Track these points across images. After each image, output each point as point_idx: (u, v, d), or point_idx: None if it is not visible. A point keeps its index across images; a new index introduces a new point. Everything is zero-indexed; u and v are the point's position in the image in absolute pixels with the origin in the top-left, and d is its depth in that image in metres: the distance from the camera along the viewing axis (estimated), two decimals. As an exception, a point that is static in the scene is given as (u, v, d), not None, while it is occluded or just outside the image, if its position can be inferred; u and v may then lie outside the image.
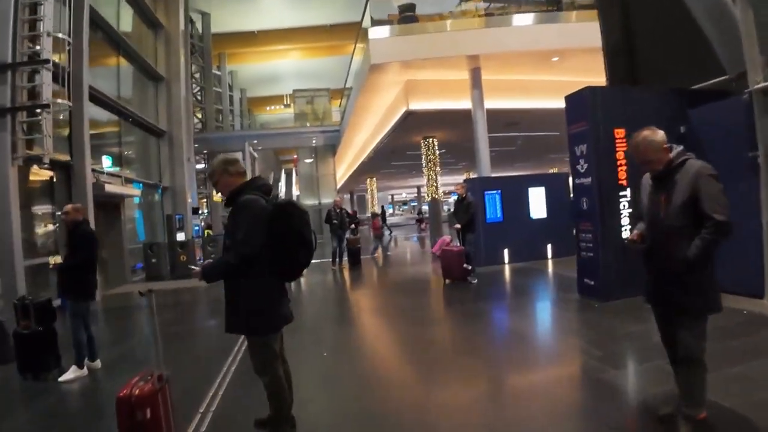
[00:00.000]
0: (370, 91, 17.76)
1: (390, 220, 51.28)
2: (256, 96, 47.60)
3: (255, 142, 29.26)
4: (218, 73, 36.78)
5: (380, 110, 20.66)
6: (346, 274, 13.29)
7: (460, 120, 18.13)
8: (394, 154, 26.65)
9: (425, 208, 39.11)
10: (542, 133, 23.22)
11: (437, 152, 21.99)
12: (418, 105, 16.92)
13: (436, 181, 22.00)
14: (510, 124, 20.01)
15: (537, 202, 12.65)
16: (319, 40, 35.92)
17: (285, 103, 38.46)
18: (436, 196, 22.15)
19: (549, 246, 12.58)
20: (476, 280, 9.85)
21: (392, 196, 67.71)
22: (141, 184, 16.80)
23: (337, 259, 13.98)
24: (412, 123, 18.46)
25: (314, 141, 30.26)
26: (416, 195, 57.49)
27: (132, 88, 17.53)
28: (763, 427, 3.29)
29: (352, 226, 14.01)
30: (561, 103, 8.59)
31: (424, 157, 22.01)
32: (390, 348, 6.61)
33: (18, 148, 9.14)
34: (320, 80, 36.53)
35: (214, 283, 3.45)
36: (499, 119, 16.39)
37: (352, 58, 21.93)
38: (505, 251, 12.35)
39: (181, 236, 16.40)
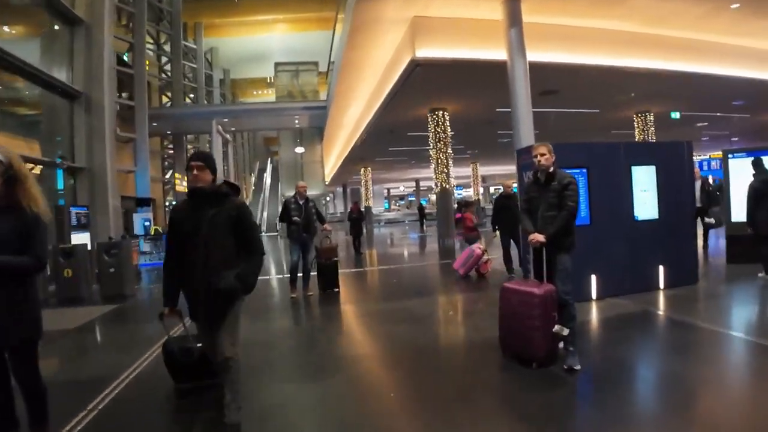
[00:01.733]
0: (362, 36, 12.31)
1: (386, 216, 45.79)
2: (240, 78, 41.94)
3: (225, 120, 23.58)
4: (193, 46, 31.10)
5: (376, 70, 15.16)
6: (314, 307, 7.82)
7: (483, 80, 12.81)
8: (393, 136, 21.07)
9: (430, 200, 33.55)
10: (583, 110, 17.79)
11: (449, 130, 16.47)
12: (429, 52, 11.44)
13: (447, 167, 16.49)
14: (546, 93, 14.51)
15: (645, 192, 7.10)
16: (308, 9, 30.34)
17: (269, 80, 32.83)
18: (447, 186, 16.61)
19: (661, 269, 7.07)
20: (579, 366, 4.19)
21: (388, 190, 62.07)
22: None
23: (299, 281, 8.53)
24: (419, 84, 13.00)
25: (297, 120, 24.62)
26: (414, 189, 51.86)
27: (29, 29, 11.99)
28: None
29: (325, 227, 8.48)
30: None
31: (431, 135, 16.50)
32: None
33: None
34: (310, 58, 31.00)
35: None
36: (532, 86, 10.90)
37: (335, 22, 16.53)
38: (592, 278, 6.83)
39: (81, 238, 10.87)
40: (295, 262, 8.39)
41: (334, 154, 32.54)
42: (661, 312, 6.11)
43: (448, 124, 16.38)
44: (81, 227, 11.07)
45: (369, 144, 23.12)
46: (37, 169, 12.52)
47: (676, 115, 18.53)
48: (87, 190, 13.41)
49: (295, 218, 8.14)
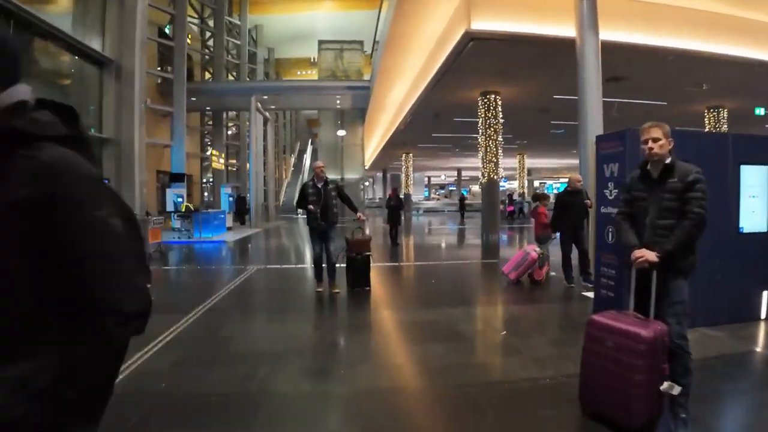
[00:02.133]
0: (412, 4, 11.09)
1: (426, 204, 44.48)
2: (284, 57, 41.12)
3: (265, 98, 22.68)
4: (238, 22, 30.33)
5: (424, 45, 13.88)
6: (339, 309, 6.73)
7: (544, 60, 11.38)
8: (438, 121, 19.71)
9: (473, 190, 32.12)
10: (650, 101, 16.02)
11: (500, 116, 15.04)
12: (486, 24, 10.07)
13: (496, 156, 15.07)
14: (613, 80, 12.89)
15: (754, 199, 5.65)
16: (356, -14, 29.09)
17: (312, 59, 31.78)
18: (495, 177, 15.21)
19: (765, 295, 5.64)
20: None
21: (429, 178, 60.51)
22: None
23: (324, 275, 7.45)
24: (472, 62, 11.63)
25: (339, 101, 23.52)
26: (456, 178, 50.23)
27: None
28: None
29: (359, 216, 7.28)
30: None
31: (481, 121, 15.09)
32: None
33: None
34: (355, 38, 29.78)
35: None
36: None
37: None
38: (764, 295, 5.56)
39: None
40: (317, 254, 7.31)
41: (375, 138, 31.36)
42: (774, 351, 4.74)
43: (500, 109, 14.95)
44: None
45: (412, 128, 21.80)
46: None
47: (760, 111, 16.51)
48: (113, 163, 12.70)
49: (310, 206, 7.07)
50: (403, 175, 32.77)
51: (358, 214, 7.55)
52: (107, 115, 12.76)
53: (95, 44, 12.57)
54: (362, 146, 26.69)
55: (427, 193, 59.76)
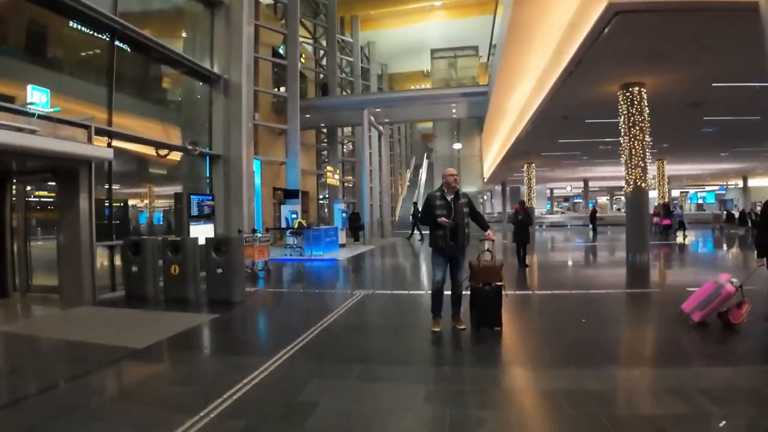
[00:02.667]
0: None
1: (549, 218, 41.47)
2: (397, 72, 40.61)
3: (378, 111, 21.85)
4: (350, 40, 30.19)
5: (550, 38, 12.02)
6: (460, 361, 5.09)
7: (706, 35, 9.21)
8: (566, 124, 17.49)
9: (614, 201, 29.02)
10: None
11: (646, 112, 12.66)
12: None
13: (644, 159, 12.67)
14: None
15: None
16: (469, -9, 27.62)
17: (424, 71, 30.73)
18: (643, 185, 12.78)
19: None
20: None
21: (551, 190, 56.79)
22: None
23: (443, 308, 5.87)
24: (614, 45, 9.65)
25: (454, 109, 22.02)
26: (583, 189, 46.33)
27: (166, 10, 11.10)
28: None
29: (488, 234, 5.66)
30: None
31: (623, 119, 12.80)
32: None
33: None
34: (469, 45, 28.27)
35: None
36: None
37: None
38: None
39: (202, 231, 9.49)
40: (439, 283, 5.74)
41: (493, 149, 29.41)
42: None
43: (645, 103, 12.59)
44: (203, 218, 9.72)
45: (536, 135, 19.75)
46: (175, 155, 11.62)
47: None
48: (222, 179, 12.31)
49: (442, 219, 5.60)
50: (525, 187, 30.41)
51: (488, 232, 5.93)
52: (216, 132, 12.42)
53: (205, 63, 12.36)
54: (480, 157, 24.94)
55: (549, 206, 56.09)
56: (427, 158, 43.57)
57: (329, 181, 23.27)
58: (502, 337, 5.55)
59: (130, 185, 10.77)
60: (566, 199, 59.32)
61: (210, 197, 9.98)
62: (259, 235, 11.48)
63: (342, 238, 19.10)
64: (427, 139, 55.85)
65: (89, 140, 8.41)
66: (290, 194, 18.88)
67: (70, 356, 5.30)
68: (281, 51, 22.51)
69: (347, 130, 31.19)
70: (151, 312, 7.45)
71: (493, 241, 5.89)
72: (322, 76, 27.17)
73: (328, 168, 23.42)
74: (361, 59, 31.84)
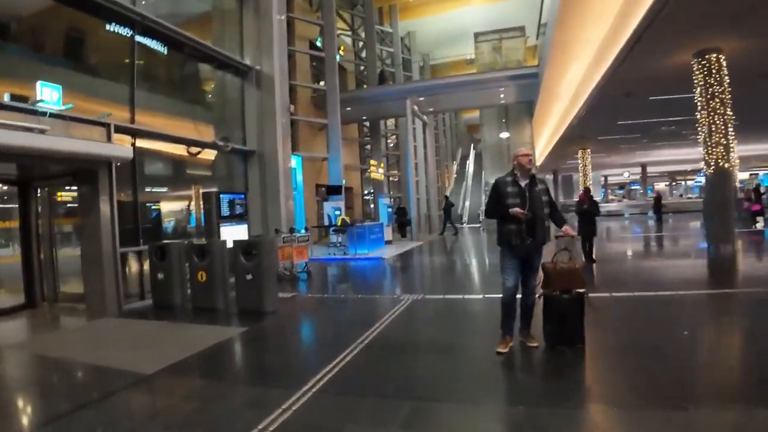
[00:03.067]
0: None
1: (605, 207, 39.31)
2: (440, 62, 39.21)
3: (421, 100, 20.66)
4: (389, 30, 29.11)
5: (609, 4, 10.64)
6: (533, 393, 3.99)
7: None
8: (628, 103, 15.84)
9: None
10: None
11: (726, 81, 11.04)
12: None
13: (726, 136, 11.06)
14: None
15: None
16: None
17: (467, 58, 29.29)
18: (727, 165, 11.15)
19: None
20: None
21: (605, 177, 53.83)
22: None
23: (515, 322, 4.65)
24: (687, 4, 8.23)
25: (502, 94, 20.59)
26: (640, 175, 43.54)
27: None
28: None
29: (566, 230, 4.49)
30: None
31: (699, 91, 11.20)
32: None
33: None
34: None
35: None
36: None
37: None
38: None
39: (233, 232, 8.66)
40: (510, 291, 4.59)
41: (544, 135, 27.73)
42: None
43: (725, 72, 10.97)
44: (235, 218, 8.88)
45: (593, 116, 18.09)
46: (209, 154, 10.91)
47: None
48: (257, 176, 11.52)
49: (516, 210, 4.46)
50: (580, 174, 28.54)
51: (565, 227, 4.65)
52: (250, 127, 11.62)
53: (235, 54, 11.59)
54: (532, 144, 23.39)
55: (603, 194, 53.26)
56: (473, 149, 42.06)
57: (373, 175, 22.29)
58: (585, 360, 4.33)
59: (161, 186, 10.10)
60: (621, 186, 56.20)
61: (242, 195, 9.14)
62: (298, 234, 10.60)
63: (388, 234, 18.10)
64: (473, 130, 54.15)
65: (108, 139, 7.70)
66: (333, 190, 17.99)
67: (67, 383, 4.52)
68: (319, 44, 21.69)
69: (390, 123, 30.18)
70: (174, 324, 6.64)
71: (572, 237, 4.67)
72: (362, 68, 26.22)
73: (372, 162, 22.45)
74: (401, 50, 30.69)
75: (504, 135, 24.07)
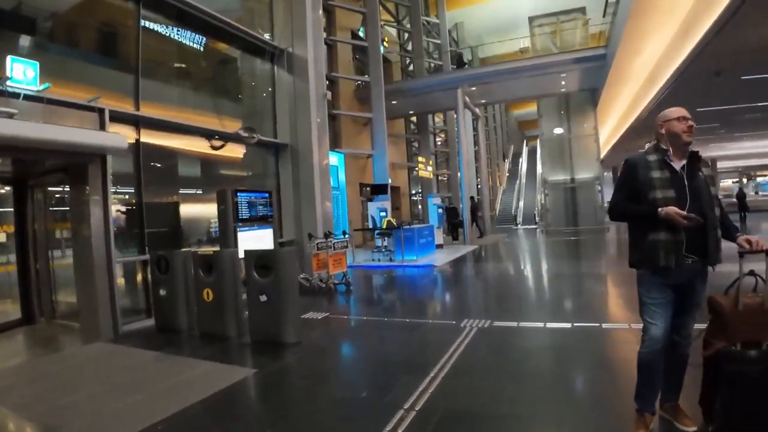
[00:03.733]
0: None
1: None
2: (489, 56, 36.95)
3: (473, 90, 18.71)
4: (436, 21, 27.26)
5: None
6: None
7: None
8: (716, 84, 13.41)
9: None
10: None
11: None
12: None
13: None
14: None
15: None
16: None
17: (521, 47, 27.01)
18: None
19: None
20: None
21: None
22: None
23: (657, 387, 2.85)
24: None
25: (564, 81, 18.36)
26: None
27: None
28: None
29: (747, 240, 2.70)
30: None
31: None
32: None
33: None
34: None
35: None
36: None
37: None
38: None
39: (257, 238, 7.10)
40: (656, 342, 2.72)
41: (608, 126, 25.20)
42: None
43: None
44: (257, 221, 7.30)
45: (673, 102, 15.78)
46: (236, 150, 9.48)
47: None
48: (289, 173, 9.99)
49: (671, 209, 2.59)
50: (648, 169, 25.83)
51: (744, 236, 2.67)
52: (282, 117, 10.10)
53: (264, 34, 10.13)
54: (596, 136, 20.99)
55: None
56: (526, 146, 39.65)
57: (421, 173, 20.53)
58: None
59: (179, 186, 8.72)
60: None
61: (266, 194, 7.58)
62: (337, 240, 8.97)
63: (439, 237, 16.29)
64: (525, 126, 51.51)
65: (102, 127, 6.30)
66: (378, 189, 16.34)
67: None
68: (361, 33, 20.16)
69: (438, 120, 28.31)
70: (171, 358, 5.07)
71: (762, 247, 2.75)
72: (408, 60, 24.49)
73: (420, 159, 20.68)
74: (449, 43, 28.76)
75: (557, 131, 21.79)
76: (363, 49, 18.63)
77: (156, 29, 8.04)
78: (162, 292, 6.20)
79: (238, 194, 6.90)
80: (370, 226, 15.36)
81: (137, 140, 7.22)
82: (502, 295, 8.18)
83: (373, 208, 15.63)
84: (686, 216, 2.55)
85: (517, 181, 34.97)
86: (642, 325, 2.83)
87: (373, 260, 13.05)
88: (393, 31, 25.30)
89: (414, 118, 24.98)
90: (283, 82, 10.22)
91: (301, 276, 9.00)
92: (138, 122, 7.23)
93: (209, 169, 9.44)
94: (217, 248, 6.51)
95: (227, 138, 8.77)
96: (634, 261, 2.86)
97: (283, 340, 5.10)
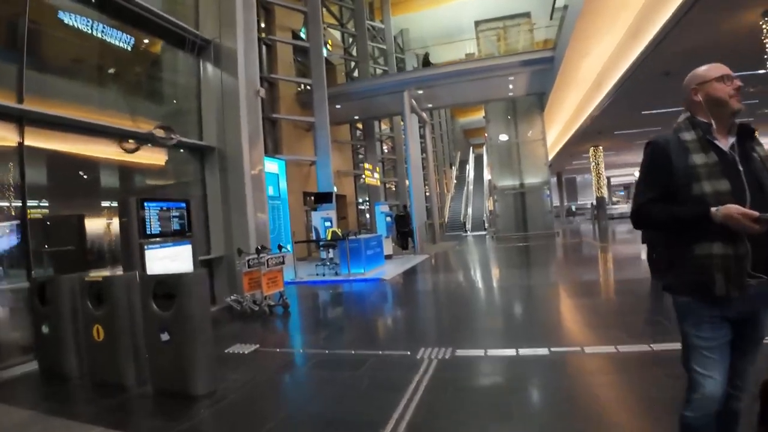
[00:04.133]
0: None
1: (618, 209, 36.96)
2: (436, 62, 36.66)
3: (420, 93, 17.95)
4: (381, 26, 26.49)
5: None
6: None
7: None
8: (663, 85, 13.18)
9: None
10: None
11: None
12: None
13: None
14: None
15: None
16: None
17: (467, 53, 26.65)
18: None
19: None
20: None
21: (608, 179, 51.12)
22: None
23: None
24: None
25: (511, 85, 17.89)
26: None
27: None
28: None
29: None
30: None
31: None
32: None
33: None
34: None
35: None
36: None
37: None
38: None
39: (174, 258, 5.86)
40: (713, 399, 1.77)
41: (554, 132, 25.14)
42: None
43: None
44: (171, 236, 6.02)
45: (619, 105, 15.64)
46: (159, 155, 8.17)
47: None
48: (218, 181, 8.75)
49: (731, 207, 1.70)
50: (593, 174, 25.97)
51: None
52: (208, 118, 8.86)
53: (186, 21, 8.87)
54: (544, 141, 20.70)
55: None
56: (472, 153, 39.61)
57: (368, 180, 19.54)
58: None
59: (85, 197, 7.36)
60: (626, 186, 53.44)
61: (182, 204, 6.32)
62: (270, 255, 7.81)
63: (388, 247, 15.33)
64: (470, 134, 51.60)
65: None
66: (322, 198, 15.22)
67: None
68: (302, 35, 19.09)
69: (385, 127, 27.52)
70: (46, 420, 3.80)
71: None
72: (352, 65, 23.54)
73: (366, 166, 19.72)
74: (394, 49, 28.05)
75: (503, 138, 21.38)
76: (305, 51, 17.52)
77: (53, 12, 6.71)
78: (44, 329, 4.88)
79: (145, 204, 5.65)
80: (314, 238, 14.23)
81: (20, 141, 5.87)
82: (460, 314, 7.19)
83: (317, 218, 14.50)
84: (757, 217, 1.66)
85: (465, 188, 34.67)
86: (690, 377, 1.92)
87: (317, 275, 11.94)
88: (337, 34, 24.34)
89: (360, 125, 24.06)
90: (209, 77, 8.99)
91: (231, 298, 7.80)
92: (21, 118, 5.88)
93: (126, 177, 8.11)
94: (107, 272, 5.23)
95: (140, 139, 7.47)
96: (675, 285, 1.96)
97: (191, 392, 3.92)
